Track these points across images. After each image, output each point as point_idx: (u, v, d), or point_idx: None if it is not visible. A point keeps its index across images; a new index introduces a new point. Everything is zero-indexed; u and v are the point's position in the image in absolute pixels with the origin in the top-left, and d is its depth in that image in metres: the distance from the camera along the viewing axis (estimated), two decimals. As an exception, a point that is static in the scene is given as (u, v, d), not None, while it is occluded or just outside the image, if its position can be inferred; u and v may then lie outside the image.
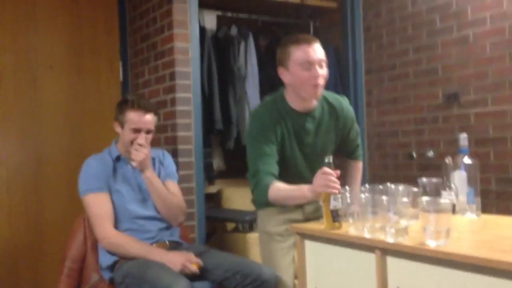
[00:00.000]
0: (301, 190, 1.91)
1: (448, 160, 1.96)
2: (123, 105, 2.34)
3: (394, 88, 3.38)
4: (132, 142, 2.29)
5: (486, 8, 2.82)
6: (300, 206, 2.17)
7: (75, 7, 3.44)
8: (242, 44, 3.56)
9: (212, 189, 3.68)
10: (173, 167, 2.49)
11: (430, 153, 3.11)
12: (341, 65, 3.68)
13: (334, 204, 1.75)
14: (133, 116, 2.30)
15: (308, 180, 2.15)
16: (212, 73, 3.41)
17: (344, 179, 2.35)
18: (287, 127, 2.06)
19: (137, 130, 2.30)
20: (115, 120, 2.36)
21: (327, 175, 1.76)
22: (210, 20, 3.53)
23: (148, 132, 2.33)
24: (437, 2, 3.09)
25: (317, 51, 1.98)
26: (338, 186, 1.76)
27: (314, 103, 2.09)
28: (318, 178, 1.79)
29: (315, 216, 2.18)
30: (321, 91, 2.03)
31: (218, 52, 3.49)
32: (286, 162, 2.09)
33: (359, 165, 2.35)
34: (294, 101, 2.06)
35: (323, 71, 1.99)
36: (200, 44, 3.18)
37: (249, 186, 2.09)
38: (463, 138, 1.97)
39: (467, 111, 2.93)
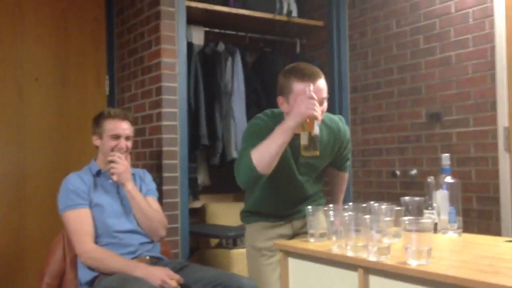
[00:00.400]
0: (282, 124, 1.87)
1: (430, 179, 1.99)
2: (99, 117, 2.38)
3: (378, 107, 3.43)
4: (112, 150, 2.31)
5: (469, 30, 2.89)
6: (289, 221, 2.18)
7: (62, 20, 3.44)
8: (229, 60, 3.58)
9: (197, 204, 3.68)
10: (153, 185, 2.51)
11: (413, 172, 3.15)
12: (327, 83, 3.70)
13: (316, 129, 1.78)
14: (110, 124, 2.34)
15: (296, 199, 2.16)
16: (198, 89, 3.42)
17: (329, 187, 2.38)
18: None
19: (116, 137, 2.33)
20: (93, 134, 2.39)
21: (311, 99, 1.78)
22: (198, 36, 3.55)
23: (127, 138, 2.36)
24: (421, 23, 3.15)
25: (320, 88, 1.94)
26: (319, 111, 1.80)
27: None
28: (304, 102, 1.80)
29: (304, 231, 2.18)
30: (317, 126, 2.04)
31: (205, 68, 3.51)
32: (277, 179, 2.08)
33: (345, 175, 2.36)
34: None
35: (323, 108, 1.96)
36: (187, 59, 3.20)
37: (235, 175, 1.99)
38: (445, 157, 2.00)
39: (449, 130, 2.98)
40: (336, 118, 2.21)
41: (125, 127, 2.36)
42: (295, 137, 2.06)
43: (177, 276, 2.10)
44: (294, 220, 2.19)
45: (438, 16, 3.05)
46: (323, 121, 2.11)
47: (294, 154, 2.06)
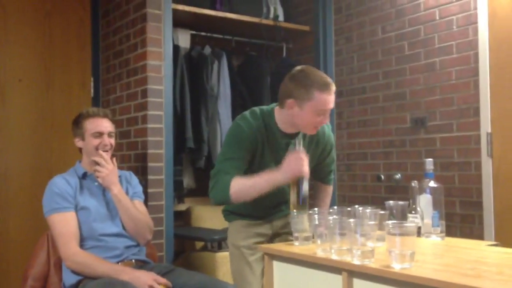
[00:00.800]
0: (269, 175, 1.89)
1: (414, 183, 2.01)
2: (78, 119, 2.37)
3: (364, 111, 3.45)
4: (97, 148, 2.30)
5: (452, 37, 2.93)
6: (269, 221, 2.19)
7: (47, 21, 3.41)
8: (216, 64, 3.58)
9: (182, 207, 3.66)
10: (140, 187, 2.49)
11: (398, 176, 3.17)
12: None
13: (305, 187, 1.79)
14: (90, 123, 2.33)
15: (277, 202, 2.17)
16: (184, 92, 3.41)
17: (313, 200, 2.39)
18: (269, 143, 2.06)
19: (99, 134, 2.32)
20: (75, 137, 2.37)
21: (302, 159, 1.79)
22: (184, 39, 3.55)
23: (109, 135, 2.35)
24: (406, 29, 3.18)
25: (333, 99, 1.99)
26: (308, 171, 1.80)
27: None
28: (293, 161, 1.82)
29: (284, 231, 2.20)
30: (315, 131, 2.07)
31: (191, 71, 3.50)
32: None
33: (330, 189, 2.38)
34: (283, 124, 2.07)
35: (327, 119, 2.03)
36: (174, 62, 3.19)
37: (209, 185, 2.03)
38: (429, 162, 2.02)
39: (433, 135, 3.01)
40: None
41: (106, 125, 2.35)
42: (283, 143, 2.07)
43: (163, 280, 2.09)
44: (275, 220, 2.19)
45: (422, 22, 3.08)
46: None
47: (276, 159, 2.06)
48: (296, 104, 1.98)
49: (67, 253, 2.15)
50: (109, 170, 2.27)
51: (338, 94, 3.66)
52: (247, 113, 2.09)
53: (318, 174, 2.29)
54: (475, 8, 2.82)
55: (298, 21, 3.90)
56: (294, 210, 1.87)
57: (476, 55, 2.81)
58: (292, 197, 1.83)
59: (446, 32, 2.96)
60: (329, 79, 2.00)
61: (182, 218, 3.63)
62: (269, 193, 2.07)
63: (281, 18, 3.77)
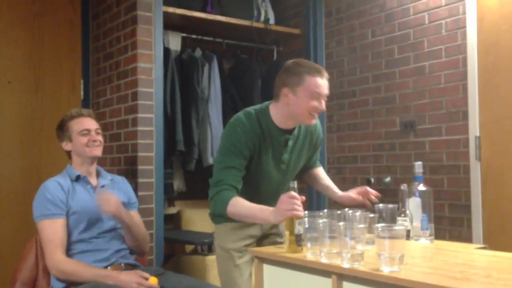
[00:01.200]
0: (263, 213, 1.90)
1: (403, 186, 2.02)
2: (63, 122, 2.39)
3: (354, 115, 3.47)
4: (88, 145, 2.31)
5: (442, 41, 2.95)
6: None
7: (36, 22, 3.39)
8: (206, 67, 3.58)
9: (172, 210, 3.65)
10: (135, 196, 2.52)
11: (387, 179, 3.19)
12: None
13: (298, 228, 1.77)
14: (76, 124, 2.35)
15: (270, 203, 2.17)
16: (175, 94, 3.41)
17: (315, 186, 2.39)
18: (266, 142, 2.07)
19: (87, 131, 2.34)
20: (62, 141, 2.38)
21: (294, 199, 1.77)
22: (175, 42, 3.54)
23: (97, 132, 2.37)
24: (395, 33, 3.20)
25: (327, 85, 2.03)
26: (302, 211, 1.78)
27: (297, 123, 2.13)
28: (285, 202, 1.79)
29: (273, 232, 2.21)
30: (314, 121, 2.08)
31: (182, 74, 3.50)
32: (259, 177, 2.09)
33: (321, 168, 2.40)
34: (279, 119, 2.08)
35: (324, 106, 2.05)
36: (164, 65, 3.19)
37: (209, 194, 2.05)
38: (418, 165, 2.03)
39: (423, 139, 3.04)
40: None
41: (91, 122, 2.38)
42: (281, 139, 2.08)
43: (148, 284, 2.09)
44: None
45: (412, 26, 3.11)
46: None
47: (275, 156, 2.08)
48: (290, 92, 2.01)
49: (53, 261, 2.15)
50: (113, 204, 2.23)
51: (329, 97, 3.66)
52: (241, 115, 2.09)
53: (308, 165, 2.31)
54: (464, 13, 2.85)
55: (288, 24, 3.91)
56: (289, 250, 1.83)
57: (465, 59, 2.84)
58: (288, 236, 1.81)
59: (435, 36, 2.98)
60: (321, 67, 2.07)
61: (173, 221, 3.62)
62: (261, 199, 2.08)
63: (271, 21, 3.78)
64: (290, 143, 2.11)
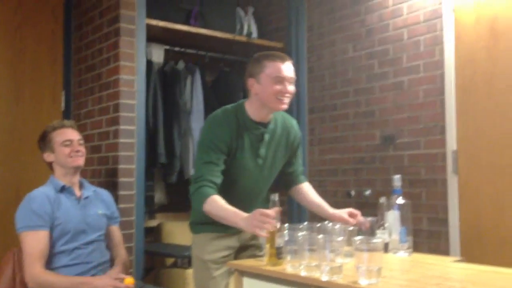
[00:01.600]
0: (236, 217, 1.90)
1: (382, 200, 2.05)
2: (45, 134, 2.39)
3: (335, 128, 3.51)
4: (70, 155, 2.32)
5: (420, 56, 3.02)
6: (236, 233, 2.17)
7: (18, 33, 3.38)
8: (189, 79, 3.60)
9: (153, 223, 3.63)
10: (117, 211, 2.53)
11: (367, 192, 3.22)
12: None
13: (278, 241, 1.79)
14: (58, 135, 2.36)
15: (254, 197, 2.18)
16: (157, 107, 3.41)
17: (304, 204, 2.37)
18: (243, 137, 2.09)
19: (69, 142, 2.34)
20: (44, 152, 2.37)
21: (263, 217, 1.77)
22: (158, 54, 3.55)
23: (79, 142, 2.38)
24: (375, 48, 3.26)
25: (289, 68, 2.07)
26: (271, 227, 1.77)
27: (271, 115, 2.16)
28: (256, 218, 1.80)
29: (252, 244, 2.21)
30: (285, 106, 2.10)
31: (164, 86, 3.50)
32: (237, 172, 2.10)
33: (307, 184, 2.38)
34: (253, 112, 2.12)
35: (291, 88, 2.08)
36: (147, 77, 3.19)
37: (190, 190, 2.07)
38: (397, 179, 2.06)
39: (402, 153, 3.08)
40: (291, 118, 2.32)
41: (74, 133, 2.40)
42: (258, 133, 2.11)
43: (123, 285, 2.11)
44: (242, 232, 2.18)
45: (391, 42, 3.17)
46: (280, 114, 2.21)
47: (252, 150, 2.11)
48: (255, 81, 2.08)
49: (31, 273, 2.14)
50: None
51: (310, 110, 3.72)
52: (219, 111, 2.16)
53: (291, 174, 2.31)
54: (442, 29, 2.92)
55: (271, 38, 3.95)
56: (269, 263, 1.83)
57: (442, 75, 2.90)
58: (268, 249, 1.82)
59: (414, 52, 3.05)
60: (281, 53, 2.13)
61: (153, 234, 3.60)
62: (239, 193, 2.11)
63: (254, 34, 3.82)
64: (267, 136, 2.14)
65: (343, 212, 2.13)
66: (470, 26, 2.84)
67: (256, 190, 2.19)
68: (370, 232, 1.97)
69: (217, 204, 1.97)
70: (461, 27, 2.87)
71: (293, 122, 2.29)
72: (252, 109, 2.12)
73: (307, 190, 2.35)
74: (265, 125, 2.14)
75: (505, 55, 2.69)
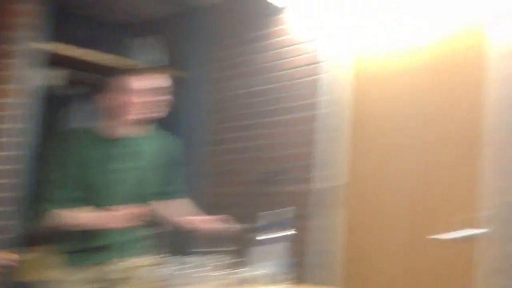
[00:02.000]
0: (104, 219, 1.94)
1: (254, 234, 2.11)
2: None
3: (228, 161, 3.56)
4: None
5: (306, 97, 3.17)
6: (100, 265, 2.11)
7: None
8: (80, 103, 3.52)
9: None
10: None
11: (250, 226, 3.27)
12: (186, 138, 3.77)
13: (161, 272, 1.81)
14: None
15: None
16: (44, 131, 3.28)
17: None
18: (92, 153, 2.08)
19: None
20: None
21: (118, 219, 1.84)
22: (47, 77, 3.43)
23: None
24: (266, 86, 3.39)
25: (143, 81, 2.09)
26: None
27: (130, 130, 2.15)
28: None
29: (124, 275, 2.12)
30: (135, 117, 2.09)
31: (53, 110, 3.40)
32: (93, 189, 2.08)
33: (187, 201, 2.38)
34: (106, 127, 2.12)
35: (142, 100, 2.08)
36: (35, 101, 3.08)
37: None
38: (284, 212, 2.21)
39: (288, 187, 3.17)
40: (174, 138, 2.33)
41: None
42: (110, 148, 2.09)
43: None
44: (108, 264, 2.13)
45: (278, 81, 3.32)
46: (155, 131, 2.22)
47: (106, 165, 2.11)
48: (106, 95, 2.14)
49: None
50: None
51: (205, 142, 3.75)
52: (61, 132, 2.26)
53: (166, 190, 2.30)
54: (321, 74, 3.10)
55: (172, 68, 3.93)
56: None
57: (328, 114, 3.04)
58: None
59: (299, 92, 3.20)
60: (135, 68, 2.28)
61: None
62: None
63: (158, 63, 3.78)
64: (119, 151, 2.11)
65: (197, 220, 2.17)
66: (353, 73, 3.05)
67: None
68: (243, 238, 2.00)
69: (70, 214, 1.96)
70: (338, 72, 3.06)
71: (170, 140, 2.29)
72: (102, 125, 2.13)
73: (181, 204, 2.34)
74: (121, 140, 2.12)
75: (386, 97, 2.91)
